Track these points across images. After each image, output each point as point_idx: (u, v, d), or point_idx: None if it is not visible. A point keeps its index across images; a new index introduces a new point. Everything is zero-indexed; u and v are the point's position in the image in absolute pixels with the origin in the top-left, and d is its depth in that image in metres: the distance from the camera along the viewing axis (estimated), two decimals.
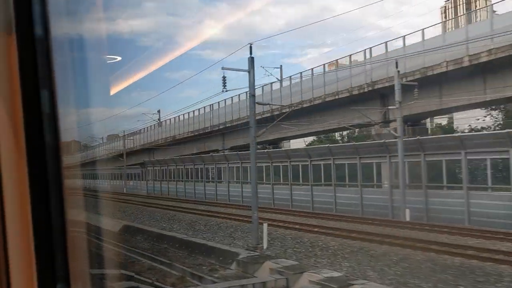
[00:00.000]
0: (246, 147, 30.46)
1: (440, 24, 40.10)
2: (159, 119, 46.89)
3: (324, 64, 24.62)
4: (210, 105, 33.36)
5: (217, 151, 31.04)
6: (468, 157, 12.57)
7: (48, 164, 0.89)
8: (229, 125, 30.69)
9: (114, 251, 12.16)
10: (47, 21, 0.88)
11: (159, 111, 47.68)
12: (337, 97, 22.33)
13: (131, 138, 44.85)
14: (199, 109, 34.82)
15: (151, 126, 46.05)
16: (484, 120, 28.19)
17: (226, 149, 31.60)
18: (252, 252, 9.37)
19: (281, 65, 35.04)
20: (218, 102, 32.38)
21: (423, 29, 17.79)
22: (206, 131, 33.04)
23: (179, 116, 37.61)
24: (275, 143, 32.80)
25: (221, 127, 31.67)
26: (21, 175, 0.87)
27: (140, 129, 46.66)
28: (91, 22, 1.11)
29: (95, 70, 1.18)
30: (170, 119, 39.88)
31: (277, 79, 31.25)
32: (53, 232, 0.91)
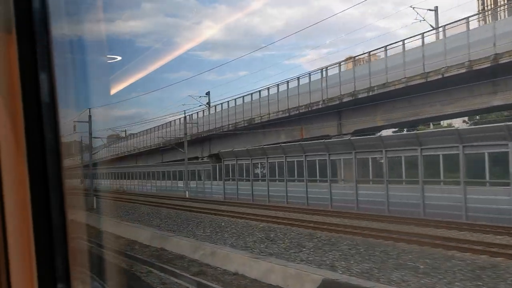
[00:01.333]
0: (369, 130, 29.36)
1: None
2: (208, 103, 50.51)
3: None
4: (321, 69, 32.95)
5: (327, 137, 29.84)
6: None
7: (48, 164, 1.28)
8: (362, 96, 28.48)
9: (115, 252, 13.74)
10: (47, 21, 1.27)
11: (208, 93, 51.23)
12: None
13: (194, 122, 47.16)
14: (297, 79, 35.08)
15: (202, 111, 49.15)
16: None
17: (346, 135, 30.05)
18: None
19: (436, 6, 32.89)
20: (341, 64, 31.75)
21: None
22: (312, 108, 32.63)
23: (260, 91, 38.99)
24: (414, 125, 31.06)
25: (345, 100, 29.82)
26: (21, 175, 1.25)
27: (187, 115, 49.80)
28: (91, 23, 1.55)
29: (95, 70, 1.61)
30: (242, 96, 41.52)
31: (432, 26, 29.82)
32: (53, 232, 1.30)
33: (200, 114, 49.03)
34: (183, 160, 50.33)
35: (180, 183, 46.37)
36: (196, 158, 48.47)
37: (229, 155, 36.09)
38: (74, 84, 1.53)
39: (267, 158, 31.04)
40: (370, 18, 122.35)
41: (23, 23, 1.25)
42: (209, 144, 48.19)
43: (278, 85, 36.65)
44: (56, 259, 1.32)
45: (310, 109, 32.95)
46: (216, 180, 39.30)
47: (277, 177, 30.54)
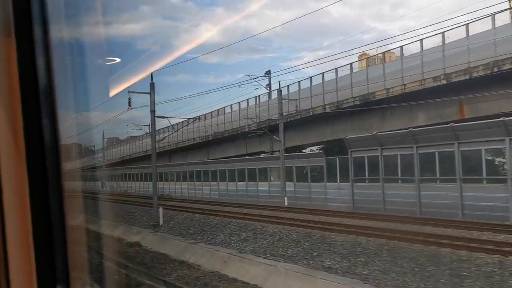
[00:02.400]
0: None
1: None
2: (269, 84, 51.66)
3: None
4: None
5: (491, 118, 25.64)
6: None
7: (47, 166, 1.72)
8: None
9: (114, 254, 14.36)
10: (46, 23, 1.72)
11: (268, 72, 52.58)
12: None
13: (292, 99, 43.95)
14: (466, 25, 30.82)
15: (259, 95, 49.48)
16: None
17: None
18: None
19: None
20: None
21: None
22: (500, 69, 28.19)
23: (384, 52, 36.70)
24: None
25: None
26: (20, 177, 1.68)
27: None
28: (89, 25, 2.07)
29: (94, 72, 2.12)
30: (350, 64, 40.09)
31: None
32: (53, 234, 1.74)
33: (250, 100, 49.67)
34: (242, 155, 50.24)
35: (263, 186, 44.35)
36: (262, 152, 47.55)
37: (365, 143, 32.39)
38: (73, 86, 2.04)
39: (458, 144, 26.48)
40: (367, 20, 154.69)
41: (22, 25, 1.68)
42: (284, 135, 45.40)
43: (421, 40, 33.22)
44: (55, 260, 1.75)
45: (497, 70, 28.44)
46: (336, 182, 35.90)
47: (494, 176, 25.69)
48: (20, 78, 1.68)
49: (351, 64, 39.80)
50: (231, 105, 55.91)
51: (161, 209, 29.84)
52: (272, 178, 45.07)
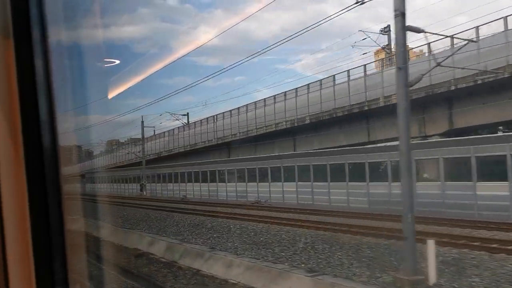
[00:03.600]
0: None
1: None
2: (388, 46, 46.09)
3: None
4: None
5: None
6: None
7: (46, 169, 1.83)
8: None
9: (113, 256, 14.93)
10: (44, 26, 1.83)
11: (387, 30, 47.77)
12: None
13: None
14: None
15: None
16: None
17: None
18: None
19: None
20: None
21: None
22: None
23: None
24: None
25: None
26: (19, 180, 1.78)
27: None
28: (88, 28, 2.22)
29: (93, 74, 2.29)
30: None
31: None
32: (51, 236, 1.85)
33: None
34: (359, 145, 38.80)
35: (484, 188, 26.19)
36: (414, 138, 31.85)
37: None
38: (71, 87, 2.23)
39: None
40: (366, 22, 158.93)
41: (21, 27, 1.80)
42: (449, 108, 34.73)
43: None
44: (54, 262, 1.87)
45: None
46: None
47: None
48: (19, 80, 1.79)
49: None
50: (334, 75, 45.02)
51: (431, 243, 13.42)
52: (426, 175, 31.39)
